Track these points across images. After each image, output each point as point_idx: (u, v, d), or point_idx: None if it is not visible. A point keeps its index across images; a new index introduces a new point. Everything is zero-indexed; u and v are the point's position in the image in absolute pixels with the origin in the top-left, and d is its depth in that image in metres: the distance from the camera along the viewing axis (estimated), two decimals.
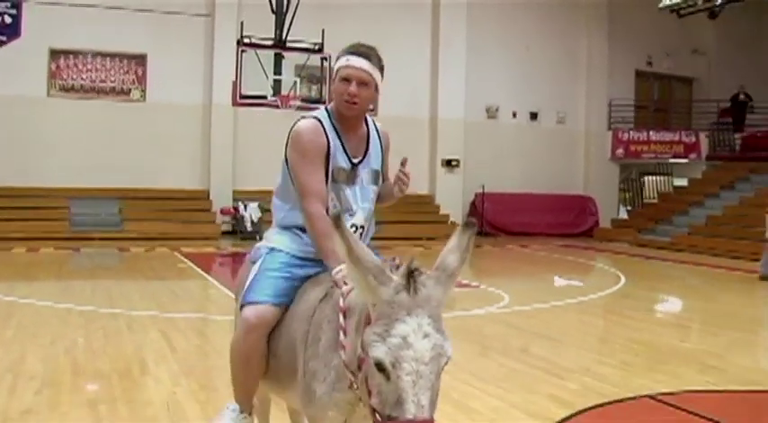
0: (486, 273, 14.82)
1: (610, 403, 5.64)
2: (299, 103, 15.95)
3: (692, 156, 25.19)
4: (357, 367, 2.39)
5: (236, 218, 20.11)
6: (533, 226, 22.64)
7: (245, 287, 3.33)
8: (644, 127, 25.77)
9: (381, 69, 3.40)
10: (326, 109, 3.43)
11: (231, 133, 20.64)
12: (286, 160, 3.40)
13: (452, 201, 22.57)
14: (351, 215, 3.38)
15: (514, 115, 24.03)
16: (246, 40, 16.00)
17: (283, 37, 16.19)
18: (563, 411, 5.40)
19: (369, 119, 3.50)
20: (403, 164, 3.43)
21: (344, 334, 2.66)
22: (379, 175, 3.52)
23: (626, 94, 26.10)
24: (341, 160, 3.35)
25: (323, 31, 15.94)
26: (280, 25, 16.20)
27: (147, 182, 19.86)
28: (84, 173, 19.26)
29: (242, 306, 3.26)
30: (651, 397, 5.84)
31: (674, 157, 25.37)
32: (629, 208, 27.11)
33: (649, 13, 23.30)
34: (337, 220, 2.25)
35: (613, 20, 24.86)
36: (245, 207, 19.71)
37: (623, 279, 13.52)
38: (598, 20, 25.04)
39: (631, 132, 25.19)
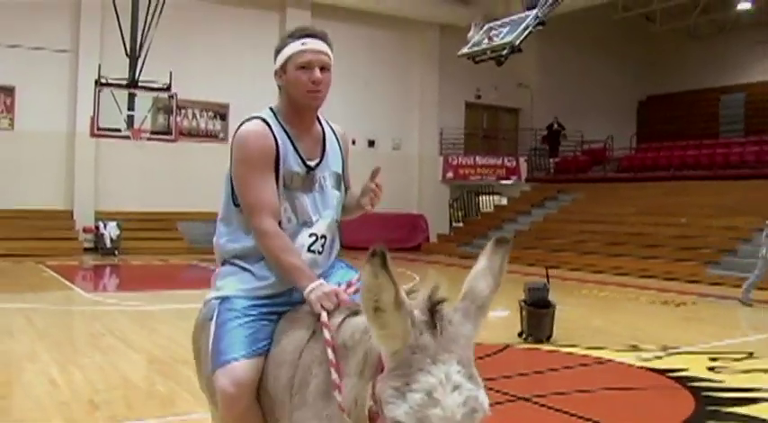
0: None
1: None
2: (149, 135, 18.39)
3: (513, 178, 28.55)
4: (368, 420, 2.01)
5: (97, 236, 21.99)
6: (370, 241, 24.70)
7: (210, 351, 2.82)
8: (473, 152, 28.99)
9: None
10: (271, 108, 3.02)
11: (93, 159, 22.62)
12: (230, 175, 2.98)
13: None
14: (309, 226, 2.98)
15: (354, 142, 26.63)
16: (103, 80, 18.25)
17: (136, 77, 18.52)
18: None
19: (321, 117, 3.12)
20: (374, 175, 3.08)
21: (338, 374, 2.32)
22: (341, 179, 3.13)
23: (457, 122, 29.31)
24: (293, 164, 2.95)
25: (170, 73, 18.39)
26: (133, 67, 18.53)
27: (14, 203, 21.51)
28: None
29: (213, 372, 2.75)
30: None
31: (498, 179, 28.68)
32: (461, 224, 30.23)
33: None
34: (383, 258, 1.85)
35: (444, 57, 27.67)
36: (105, 226, 21.69)
37: (417, 279, 16.44)
38: (430, 57, 28.13)
39: (460, 157, 28.36)
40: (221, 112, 24.44)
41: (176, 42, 21.90)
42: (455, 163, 28.29)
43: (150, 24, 18.23)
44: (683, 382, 7.24)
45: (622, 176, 26.66)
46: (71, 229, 22.39)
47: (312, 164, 3.00)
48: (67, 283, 15.18)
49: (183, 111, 22.20)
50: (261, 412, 2.73)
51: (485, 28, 18.94)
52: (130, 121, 18.33)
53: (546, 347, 9.09)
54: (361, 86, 26.61)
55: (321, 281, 2.75)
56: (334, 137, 3.13)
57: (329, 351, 2.39)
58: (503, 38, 17.98)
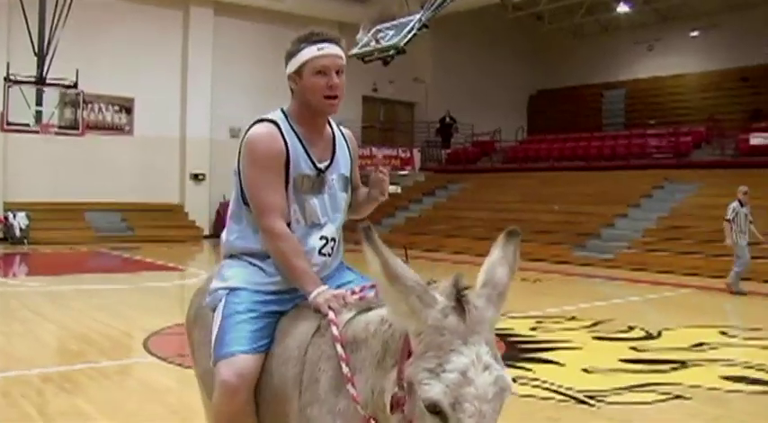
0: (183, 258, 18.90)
1: None
2: (56, 129, 19.43)
3: (408, 168, 30.16)
4: (390, 408, 2.08)
5: (7, 226, 22.77)
6: None
7: (213, 341, 2.84)
8: (370, 144, 30.48)
9: None
10: (282, 110, 3.03)
11: (1, 152, 23.42)
12: (238, 174, 2.98)
13: (199, 209, 26.37)
14: (318, 228, 3.01)
15: None
16: (12, 78, 19.18)
17: (44, 74, 19.49)
18: None
19: (330, 120, 3.12)
20: (377, 167, 3.14)
21: (349, 368, 2.37)
22: (348, 182, 3.15)
23: (355, 115, 30.74)
24: (304, 167, 2.96)
25: (77, 71, 19.43)
26: (41, 64, 19.49)
27: None
28: None
29: (215, 363, 2.77)
30: None
31: (393, 169, 30.22)
32: None
33: None
34: (368, 232, 1.97)
35: None
36: (15, 216, 22.54)
37: None
38: None
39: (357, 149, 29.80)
40: (127, 106, 25.41)
41: (83, 39, 22.78)
42: None
43: (58, 22, 19.18)
44: (503, 337, 8.91)
45: (507, 167, 28.64)
46: None
47: (322, 166, 3.00)
48: None
49: (89, 105, 23.12)
50: (255, 411, 2.76)
51: (372, 30, 20.55)
52: (39, 116, 19.25)
53: None
54: (264, 82, 27.79)
55: (326, 286, 2.77)
56: (343, 139, 3.15)
57: (338, 346, 2.41)
58: (389, 40, 19.61)
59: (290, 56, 2.98)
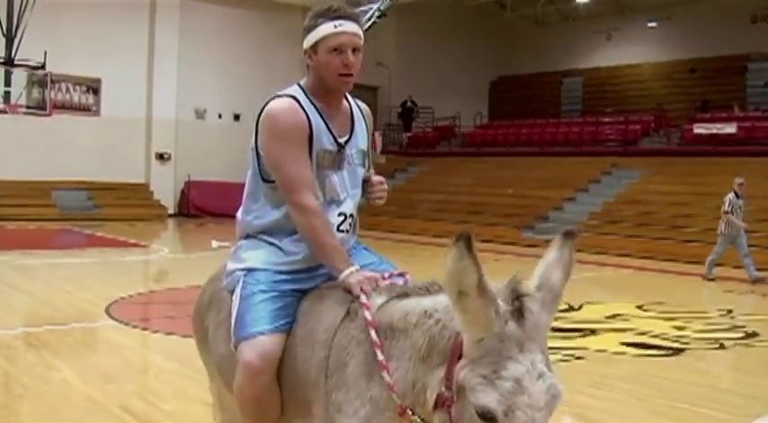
0: (155, 237, 19.62)
1: None
2: (24, 109, 20.04)
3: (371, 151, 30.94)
4: (433, 406, 2.11)
5: None
6: (233, 209, 26.31)
7: (233, 324, 2.79)
8: None
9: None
10: (299, 85, 2.96)
11: None
12: (256, 151, 2.92)
13: (165, 188, 26.97)
14: (337, 205, 2.95)
15: (220, 116, 28.64)
16: None
17: (12, 55, 20.06)
18: None
19: (347, 94, 3.05)
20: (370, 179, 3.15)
21: (383, 355, 2.33)
22: (366, 157, 3.11)
23: None
24: (325, 142, 2.89)
25: (45, 53, 20.01)
26: (9, 46, 20.06)
27: None
28: None
29: (236, 345, 2.73)
30: None
31: None
32: None
33: None
34: (468, 239, 1.91)
35: (304, 37, 29.88)
36: None
37: None
38: (293, 37, 29.98)
39: None
40: (94, 87, 25.93)
41: (51, 20, 23.23)
42: None
43: (26, 4, 19.75)
44: None
45: (466, 151, 29.57)
46: None
47: (343, 140, 2.94)
48: None
49: (57, 85, 23.67)
50: (279, 393, 2.71)
51: None
52: (7, 96, 19.87)
53: None
54: (230, 64, 28.42)
55: (357, 266, 2.72)
56: (360, 114, 3.08)
57: (372, 332, 2.38)
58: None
59: (307, 31, 2.89)
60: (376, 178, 3.17)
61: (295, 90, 2.92)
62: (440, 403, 2.05)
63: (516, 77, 36.43)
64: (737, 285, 13.71)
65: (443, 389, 2.05)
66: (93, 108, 25.94)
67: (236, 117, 28.87)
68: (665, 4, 30.97)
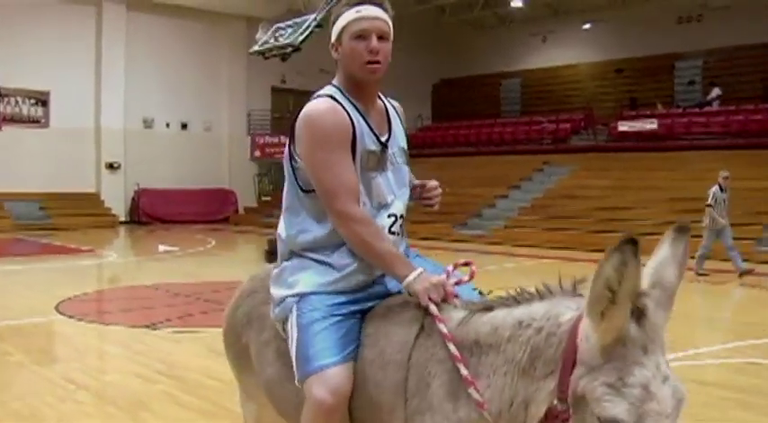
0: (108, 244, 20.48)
1: None
2: None
3: None
4: (541, 422, 2.01)
5: None
6: (183, 215, 28.03)
7: (295, 358, 2.56)
8: (279, 133, 31.96)
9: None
10: (333, 84, 2.76)
11: None
12: (291, 159, 2.71)
13: (115, 196, 27.69)
14: (386, 208, 2.74)
15: (168, 125, 29.45)
16: None
17: None
18: None
19: (379, 93, 2.86)
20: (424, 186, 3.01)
21: (468, 370, 2.20)
22: (407, 155, 2.91)
23: (265, 105, 32.30)
24: (369, 142, 2.69)
25: None
26: None
27: None
28: None
29: (302, 381, 2.50)
30: None
31: None
32: (269, 198, 32.93)
33: None
34: (635, 248, 1.76)
35: (251, 46, 30.56)
36: None
37: (213, 243, 19.79)
38: (238, 47, 30.74)
39: (267, 137, 31.12)
40: (42, 99, 26.58)
41: (0, 35, 24.01)
42: (262, 142, 31.09)
43: None
44: None
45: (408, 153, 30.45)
46: None
47: (384, 139, 2.77)
48: None
49: (6, 98, 24.34)
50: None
51: (272, 29, 22.32)
52: None
53: None
54: (176, 74, 29.13)
55: (422, 269, 2.54)
56: (394, 111, 2.92)
57: (451, 346, 2.25)
58: (286, 38, 21.43)
59: (332, 25, 2.74)
60: (432, 183, 3.05)
61: (331, 89, 2.74)
62: (551, 417, 1.97)
63: (457, 80, 37.42)
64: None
65: (555, 402, 1.95)
66: (43, 120, 26.59)
67: (184, 126, 29.77)
68: (598, 7, 32.15)
